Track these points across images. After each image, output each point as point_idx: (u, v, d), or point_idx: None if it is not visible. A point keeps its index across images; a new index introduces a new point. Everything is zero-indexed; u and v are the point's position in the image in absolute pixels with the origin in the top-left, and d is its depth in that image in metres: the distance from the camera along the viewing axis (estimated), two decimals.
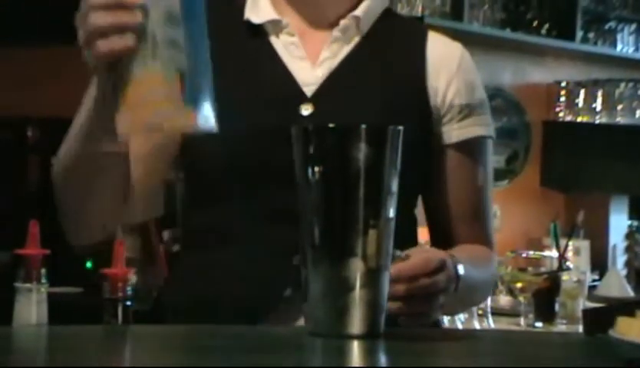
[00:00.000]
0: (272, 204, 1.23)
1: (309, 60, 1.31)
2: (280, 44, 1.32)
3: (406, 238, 1.26)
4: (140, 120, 1.02)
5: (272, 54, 1.32)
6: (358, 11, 1.33)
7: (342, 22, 1.32)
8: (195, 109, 1.01)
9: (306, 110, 1.27)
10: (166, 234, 2.61)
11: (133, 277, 2.29)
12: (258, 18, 1.33)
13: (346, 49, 1.32)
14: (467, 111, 1.35)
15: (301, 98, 1.28)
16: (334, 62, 1.31)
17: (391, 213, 0.98)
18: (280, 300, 1.20)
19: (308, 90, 1.29)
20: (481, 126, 1.36)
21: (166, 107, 1.00)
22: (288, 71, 1.30)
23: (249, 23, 1.34)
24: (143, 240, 2.59)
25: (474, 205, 1.36)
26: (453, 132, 1.34)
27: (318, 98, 1.28)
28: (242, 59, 1.32)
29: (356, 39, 1.33)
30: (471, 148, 1.35)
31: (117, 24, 1.02)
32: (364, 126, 0.97)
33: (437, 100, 1.33)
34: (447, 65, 1.34)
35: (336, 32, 1.32)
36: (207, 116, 1.02)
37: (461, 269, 1.18)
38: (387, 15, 1.37)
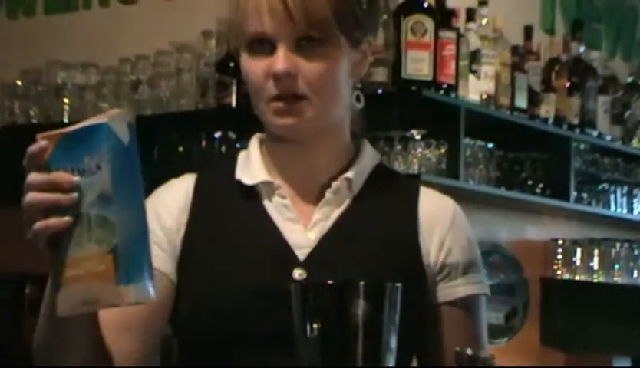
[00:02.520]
0: (269, 362, 1.22)
1: (302, 222, 1.30)
2: (272, 206, 1.32)
3: None
4: (76, 298, 1.06)
5: (265, 216, 1.31)
6: (350, 173, 1.33)
7: (334, 184, 1.32)
8: (129, 284, 1.05)
9: (299, 274, 1.26)
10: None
11: None
12: (250, 180, 1.33)
13: (338, 211, 1.31)
14: (460, 270, 1.34)
15: (294, 262, 1.27)
16: (326, 225, 1.30)
17: None
18: None
19: (301, 254, 1.28)
20: (475, 285, 1.35)
21: (100, 284, 1.05)
22: (280, 235, 1.29)
23: (240, 184, 1.33)
24: None
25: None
26: (446, 290, 1.33)
27: (310, 262, 1.27)
28: (235, 221, 1.31)
29: (347, 200, 1.32)
30: (465, 306, 1.34)
31: (51, 203, 1.06)
32: (362, 282, 0.97)
33: (430, 260, 1.32)
34: (438, 223, 1.33)
35: (328, 194, 1.31)
36: (143, 289, 1.06)
37: None
38: (379, 171, 1.37)
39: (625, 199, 3.62)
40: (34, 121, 3.37)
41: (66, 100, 3.31)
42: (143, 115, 3.11)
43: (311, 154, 1.33)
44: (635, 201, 3.66)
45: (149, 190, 1.36)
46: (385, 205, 1.33)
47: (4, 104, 3.46)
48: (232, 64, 2.99)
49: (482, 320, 1.37)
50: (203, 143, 2.95)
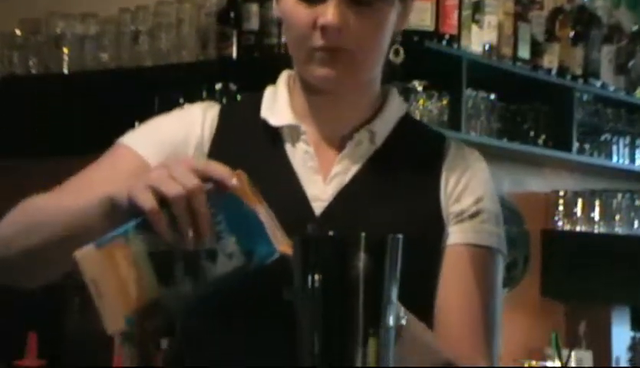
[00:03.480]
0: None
1: (321, 173, 1.28)
2: (295, 151, 1.29)
3: None
4: (119, 313, 1.02)
5: (286, 162, 1.28)
6: (374, 125, 1.30)
7: (356, 136, 1.29)
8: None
9: (313, 229, 1.24)
10: (164, 343, 2.59)
11: None
12: (276, 121, 1.30)
13: (358, 165, 1.29)
14: (476, 217, 1.29)
15: (310, 217, 1.25)
16: (345, 179, 1.28)
17: (391, 322, 0.98)
18: None
19: (318, 207, 1.26)
20: (486, 234, 1.30)
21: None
22: (300, 185, 1.27)
23: (265, 123, 1.30)
24: (140, 348, 2.56)
25: (476, 313, 1.28)
26: (455, 233, 1.28)
27: (324, 218, 1.26)
28: (256, 163, 1.25)
29: (369, 153, 1.30)
30: (471, 255, 1.28)
31: (177, 216, 1.00)
32: (363, 234, 0.97)
33: (450, 208, 1.29)
34: (462, 175, 1.31)
35: (349, 147, 1.29)
36: (266, 252, 1.04)
37: (404, 320, 1.12)
38: (404, 123, 1.33)
39: (627, 150, 3.62)
40: (33, 71, 3.35)
41: (65, 51, 3.29)
42: (143, 67, 3.10)
43: (341, 103, 1.30)
44: (637, 151, 3.65)
45: None
46: (408, 160, 1.30)
47: (4, 54, 3.44)
48: (232, 14, 2.96)
49: (486, 279, 1.29)
50: (204, 95, 2.93)
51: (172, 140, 1.29)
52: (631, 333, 3.50)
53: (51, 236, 1.15)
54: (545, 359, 2.95)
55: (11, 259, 1.19)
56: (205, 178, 1.04)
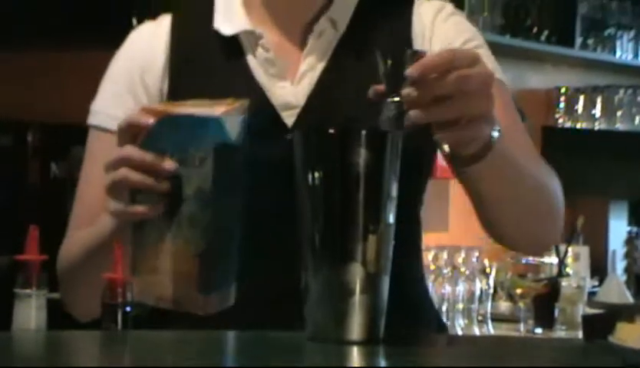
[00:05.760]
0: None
1: (288, 76, 1.22)
2: (255, 60, 1.22)
3: (408, 242, 1.22)
4: (151, 290, 1.02)
5: (247, 73, 1.21)
6: (333, 11, 1.23)
7: (316, 28, 1.22)
8: (210, 294, 1.00)
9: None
10: None
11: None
12: (229, 29, 1.22)
13: (325, 58, 1.22)
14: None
15: (283, 129, 1.20)
16: (314, 76, 1.21)
17: (391, 218, 0.98)
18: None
19: (289, 116, 1.20)
20: (497, 71, 1.20)
21: (180, 286, 1.00)
22: (266, 98, 1.20)
23: (218, 34, 1.23)
24: None
25: (522, 136, 1.22)
26: None
27: (299, 125, 1.19)
28: (217, 82, 1.21)
29: (335, 42, 1.23)
30: (497, 86, 1.14)
31: (144, 188, 1.01)
32: (364, 131, 0.97)
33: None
34: (429, 21, 1.24)
35: (311, 40, 1.22)
36: (224, 297, 1.01)
37: (497, 132, 1.02)
38: None
39: (631, 44, 3.58)
40: None
41: None
42: None
43: None
44: None
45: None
46: (376, 31, 1.23)
47: None
48: None
49: (510, 107, 1.21)
50: None
51: (129, 87, 1.25)
52: (628, 228, 3.53)
53: (83, 266, 1.18)
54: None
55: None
56: (134, 133, 1.04)
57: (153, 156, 1.02)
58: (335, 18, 1.23)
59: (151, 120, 1.02)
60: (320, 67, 1.23)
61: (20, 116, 2.80)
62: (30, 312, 1.01)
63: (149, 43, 1.27)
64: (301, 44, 1.24)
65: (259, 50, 1.23)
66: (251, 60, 1.23)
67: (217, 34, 1.24)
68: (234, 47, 1.23)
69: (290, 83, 1.22)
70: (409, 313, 1.20)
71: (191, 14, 1.28)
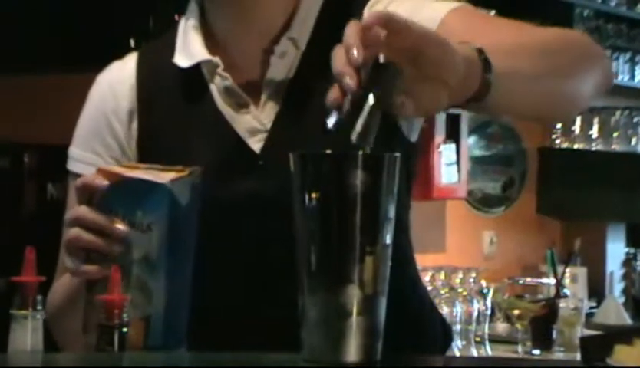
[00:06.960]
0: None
1: (252, 102, 1.20)
2: (217, 90, 1.21)
3: (398, 248, 1.21)
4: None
5: (211, 106, 1.20)
6: (292, 31, 1.20)
7: (277, 49, 1.20)
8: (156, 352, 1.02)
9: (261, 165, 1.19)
10: None
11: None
12: (187, 61, 1.21)
13: (288, 78, 1.20)
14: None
15: (252, 157, 1.19)
16: (279, 99, 1.19)
17: (388, 240, 0.98)
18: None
19: (256, 141, 1.19)
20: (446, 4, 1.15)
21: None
22: (230, 127, 1.19)
23: (178, 68, 1.22)
24: None
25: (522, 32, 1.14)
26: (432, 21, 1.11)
27: (267, 152, 1.18)
28: (185, 117, 1.21)
29: (296, 61, 1.20)
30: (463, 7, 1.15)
31: (95, 249, 1.04)
32: (360, 153, 0.97)
33: None
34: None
35: (274, 61, 1.20)
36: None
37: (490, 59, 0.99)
38: (328, 7, 1.21)
39: (627, 66, 3.59)
40: None
41: None
42: None
43: (251, 13, 1.20)
44: (637, 68, 3.63)
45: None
46: (338, 40, 1.15)
47: None
48: None
49: (488, 16, 1.17)
50: None
51: (97, 133, 1.26)
52: (626, 249, 3.53)
53: (67, 313, 1.20)
54: (540, 275, 2.98)
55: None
56: (90, 194, 1.06)
57: (105, 218, 1.05)
58: (296, 36, 1.21)
59: (105, 183, 1.05)
60: (284, 87, 1.21)
61: (17, 138, 2.81)
62: (26, 334, 1.01)
63: (112, 91, 1.27)
64: (263, 66, 1.21)
65: (217, 79, 1.21)
66: (213, 89, 1.22)
67: (179, 67, 1.23)
68: (197, 78, 1.22)
69: (255, 108, 1.21)
70: (409, 321, 1.21)
71: (156, 50, 1.28)
